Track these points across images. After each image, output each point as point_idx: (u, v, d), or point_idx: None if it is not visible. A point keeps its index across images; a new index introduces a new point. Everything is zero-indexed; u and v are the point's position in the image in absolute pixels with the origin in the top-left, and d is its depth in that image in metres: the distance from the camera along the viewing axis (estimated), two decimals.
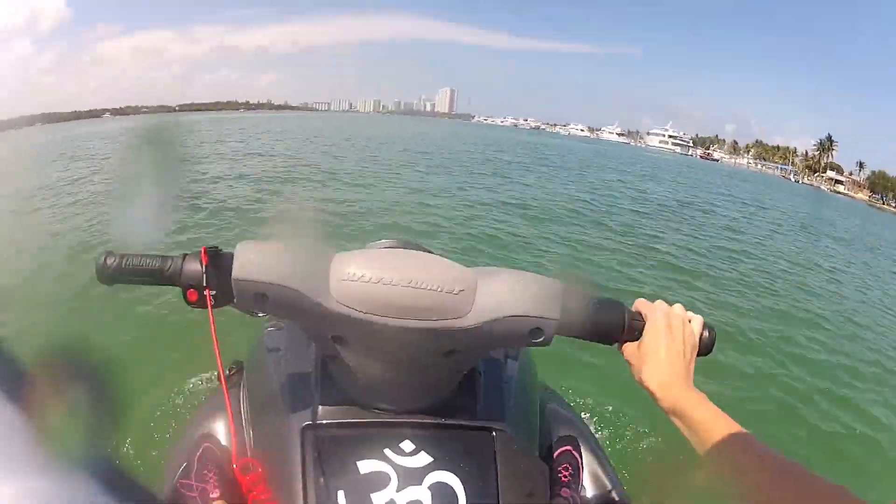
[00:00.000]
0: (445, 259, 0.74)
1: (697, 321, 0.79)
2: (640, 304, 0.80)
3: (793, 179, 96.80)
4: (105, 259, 0.73)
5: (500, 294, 0.71)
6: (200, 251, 0.73)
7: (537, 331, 0.72)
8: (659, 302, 0.80)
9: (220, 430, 0.93)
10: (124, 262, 0.73)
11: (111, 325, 3.50)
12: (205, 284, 0.72)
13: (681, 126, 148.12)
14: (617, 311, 0.79)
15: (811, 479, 0.58)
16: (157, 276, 0.74)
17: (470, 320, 0.70)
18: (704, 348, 0.79)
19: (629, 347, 0.78)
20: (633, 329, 0.79)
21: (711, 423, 0.67)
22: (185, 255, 0.75)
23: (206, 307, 0.73)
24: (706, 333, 0.79)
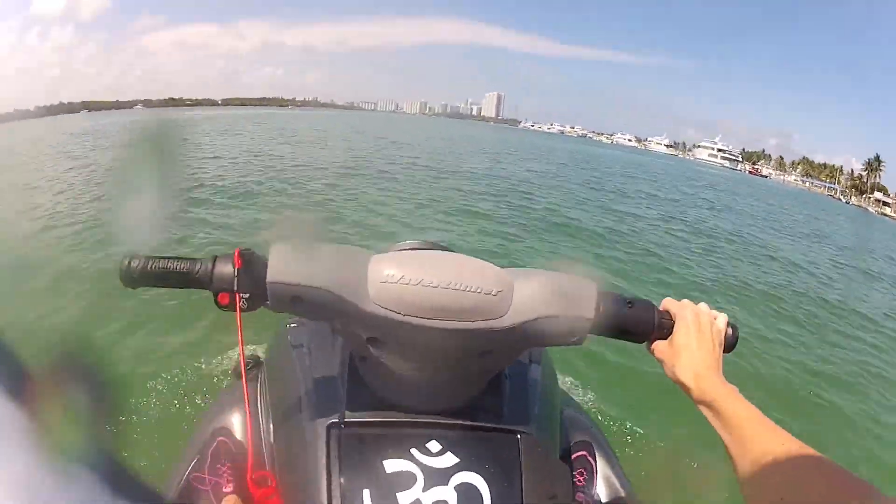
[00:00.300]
0: (481, 260, 0.75)
1: (722, 318, 0.80)
2: (668, 303, 0.82)
3: (843, 200, 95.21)
4: (129, 262, 0.72)
5: (537, 295, 0.72)
6: (233, 254, 0.72)
7: (572, 330, 0.74)
8: (686, 301, 0.82)
9: (237, 424, 0.93)
10: (150, 264, 0.72)
11: (121, 315, 3.45)
12: (235, 289, 0.71)
13: (725, 139, 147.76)
14: (647, 310, 0.80)
15: (848, 477, 0.56)
16: (187, 279, 0.72)
17: (507, 321, 0.71)
18: (729, 345, 0.80)
19: (660, 345, 0.79)
20: (662, 327, 0.80)
21: (744, 416, 0.67)
22: (215, 258, 0.74)
23: (236, 310, 0.72)
24: (730, 330, 0.80)
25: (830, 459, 0.58)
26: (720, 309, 0.82)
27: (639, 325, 0.80)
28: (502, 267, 0.74)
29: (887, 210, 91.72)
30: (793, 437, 0.63)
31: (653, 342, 0.81)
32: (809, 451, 0.60)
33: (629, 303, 0.79)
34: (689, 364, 0.75)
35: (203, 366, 2.89)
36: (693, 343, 0.76)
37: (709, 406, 0.71)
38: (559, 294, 0.73)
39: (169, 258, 0.73)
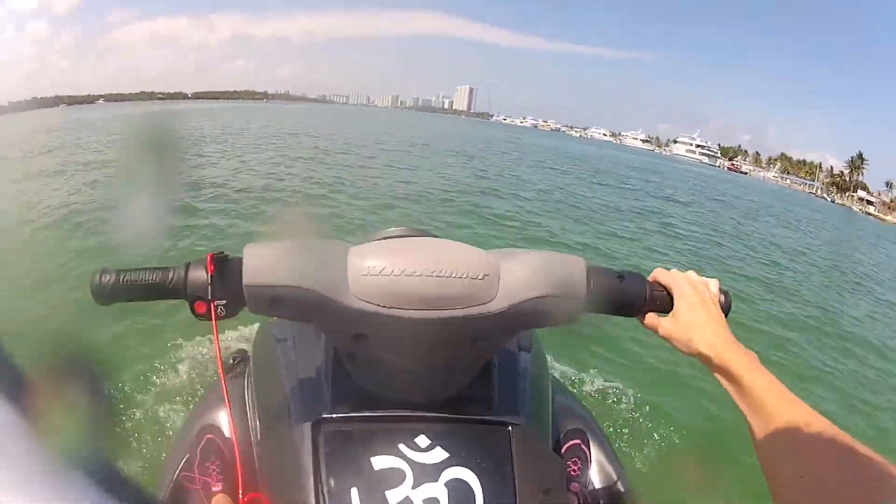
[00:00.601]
0: (465, 244, 0.72)
1: (714, 284, 0.79)
2: (659, 274, 0.80)
3: (828, 199, 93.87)
4: (100, 277, 0.68)
5: (526, 276, 0.70)
6: (206, 259, 0.69)
7: (565, 310, 0.72)
8: (675, 271, 0.80)
9: (223, 421, 0.91)
10: (122, 278, 0.68)
11: (108, 313, 2.96)
12: (210, 296, 0.68)
13: (698, 134, 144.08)
14: (639, 282, 0.79)
15: (869, 455, 0.54)
16: (160, 290, 0.69)
17: (497, 305, 0.68)
18: (724, 310, 0.78)
19: (664, 322, 0.77)
20: (655, 299, 0.79)
21: (766, 388, 0.65)
22: (188, 265, 0.70)
23: (213, 318, 0.69)
24: (723, 297, 0.79)
25: (852, 437, 0.57)
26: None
27: (632, 298, 0.78)
28: (488, 250, 0.73)
29: (871, 209, 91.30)
30: (814, 412, 0.61)
31: (646, 314, 0.79)
32: (831, 426, 0.59)
33: (620, 276, 0.78)
34: (704, 337, 0.73)
35: (189, 362, 2.80)
36: (702, 315, 0.75)
37: (729, 377, 0.69)
38: (548, 273, 0.71)
39: (141, 269, 0.70)
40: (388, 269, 0.66)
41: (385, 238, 0.80)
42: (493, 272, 0.69)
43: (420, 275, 0.66)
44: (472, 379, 0.80)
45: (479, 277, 0.68)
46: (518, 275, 0.70)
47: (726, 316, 0.78)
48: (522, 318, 0.71)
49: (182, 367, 2.81)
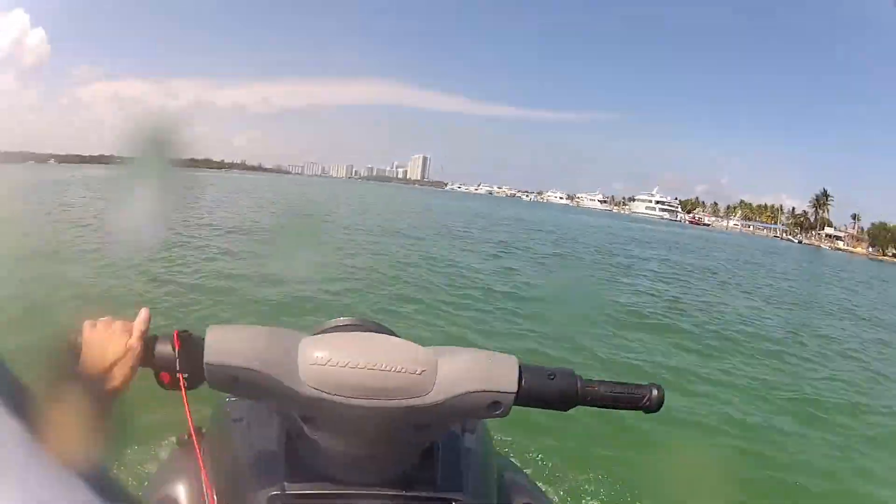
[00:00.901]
0: (404, 340, 0.79)
1: None
2: None
3: (795, 241, 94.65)
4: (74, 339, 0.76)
5: (460, 372, 0.75)
6: (172, 335, 0.77)
7: (496, 404, 0.77)
8: None
9: (182, 495, 0.97)
10: None
11: None
12: (178, 369, 0.75)
13: (653, 190, 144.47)
14: (569, 379, 0.82)
15: None
16: None
17: (432, 398, 0.74)
18: (656, 405, 0.85)
19: None
20: (586, 395, 0.82)
21: None
22: (155, 337, 0.78)
23: (180, 389, 0.75)
24: (655, 392, 0.85)
25: None
26: None
27: (563, 394, 0.82)
28: (428, 345, 0.79)
29: (840, 244, 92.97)
30: None
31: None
32: None
33: (551, 375, 0.82)
34: None
35: (143, 435, 2.66)
36: None
37: None
38: (481, 370, 0.77)
39: None
40: (335, 361, 0.72)
41: (336, 328, 0.89)
42: (431, 368, 0.74)
43: (363, 367, 0.72)
44: (417, 458, 0.86)
45: (417, 372, 0.73)
46: (453, 371, 0.75)
47: (656, 411, 0.85)
48: (456, 410, 0.77)
49: (138, 438, 2.65)
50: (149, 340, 0.78)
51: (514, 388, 0.77)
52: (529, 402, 0.80)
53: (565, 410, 0.83)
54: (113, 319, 0.80)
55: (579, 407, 0.85)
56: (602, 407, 0.85)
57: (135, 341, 0.78)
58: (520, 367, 0.79)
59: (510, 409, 0.78)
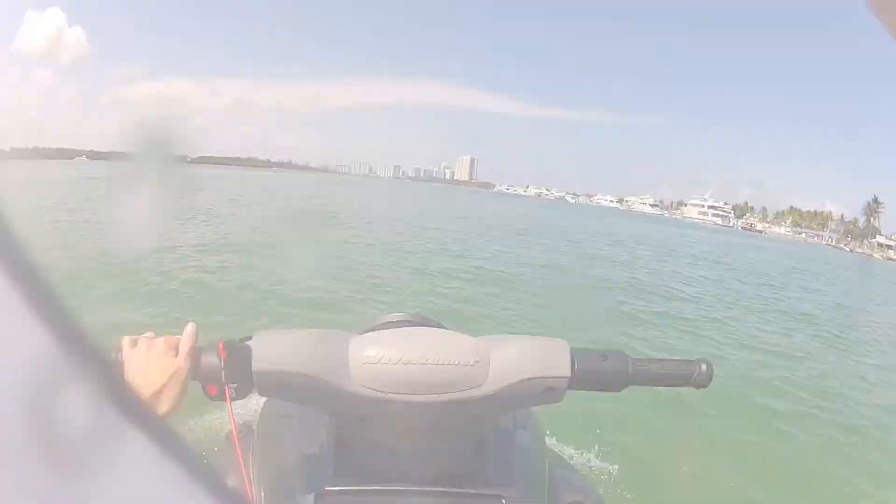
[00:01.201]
0: (456, 333, 0.80)
1: None
2: None
3: (847, 249, 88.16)
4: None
5: (513, 360, 0.77)
6: (218, 346, 0.75)
7: (550, 389, 0.78)
8: None
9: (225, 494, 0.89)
10: None
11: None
12: (224, 380, 0.74)
13: (699, 193, 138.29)
14: (622, 361, 0.83)
15: None
16: None
17: (487, 388, 0.75)
18: (705, 381, 0.85)
19: None
20: (637, 374, 0.83)
21: None
22: (199, 349, 0.76)
23: (227, 400, 0.74)
24: (704, 367, 0.85)
25: None
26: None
27: (615, 375, 0.84)
28: (477, 336, 0.82)
29: (892, 254, 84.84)
30: None
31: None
32: None
33: (603, 356, 0.84)
34: None
35: (197, 427, 2.58)
36: None
37: None
38: (534, 357, 0.80)
39: None
40: (386, 358, 0.73)
41: (385, 325, 0.90)
42: (483, 358, 0.76)
43: (415, 363, 0.73)
44: (467, 454, 0.87)
45: (471, 364, 0.75)
46: (506, 360, 0.77)
47: (706, 387, 0.85)
48: (511, 399, 0.79)
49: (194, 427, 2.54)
50: (195, 354, 0.76)
51: (568, 372, 0.77)
52: (583, 385, 0.81)
53: (618, 391, 0.85)
54: (155, 335, 0.78)
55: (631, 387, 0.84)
56: (654, 385, 0.86)
57: (182, 360, 0.76)
58: (571, 350, 0.79)
59: (564, 393, 0.79)
